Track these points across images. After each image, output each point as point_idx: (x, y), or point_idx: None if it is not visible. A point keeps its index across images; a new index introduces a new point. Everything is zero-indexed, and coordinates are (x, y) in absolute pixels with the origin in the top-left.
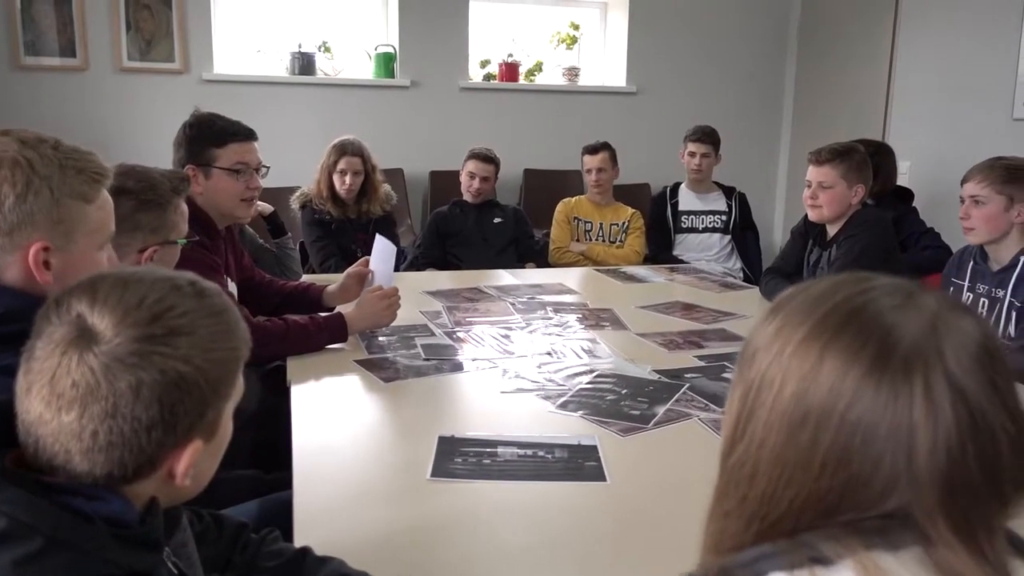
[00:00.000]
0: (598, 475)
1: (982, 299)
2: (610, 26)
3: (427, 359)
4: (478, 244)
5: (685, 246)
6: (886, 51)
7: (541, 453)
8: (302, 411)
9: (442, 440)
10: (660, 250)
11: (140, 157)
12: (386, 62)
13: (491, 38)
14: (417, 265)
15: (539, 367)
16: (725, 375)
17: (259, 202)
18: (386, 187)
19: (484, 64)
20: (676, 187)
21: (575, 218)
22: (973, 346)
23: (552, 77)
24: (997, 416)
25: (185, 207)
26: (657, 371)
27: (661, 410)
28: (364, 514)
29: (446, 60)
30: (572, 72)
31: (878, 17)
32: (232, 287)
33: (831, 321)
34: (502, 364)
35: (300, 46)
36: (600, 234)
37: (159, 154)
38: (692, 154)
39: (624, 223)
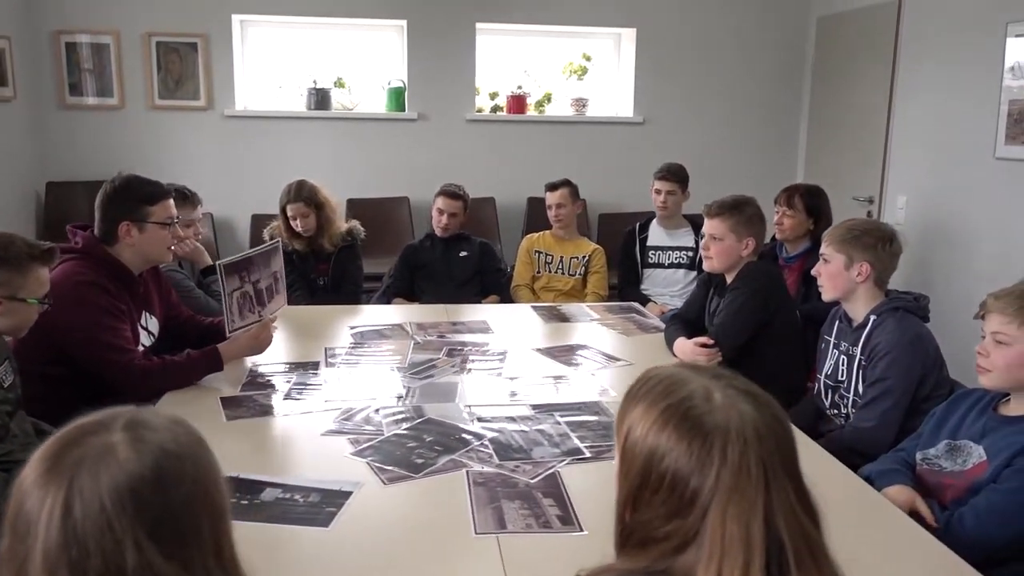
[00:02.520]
0: (325, 521)
1: (842, 356)
2: (622, 57)
3: (284, 399)
4: (441, 277)
5: (651, 281)
6: (886, 91)
7: (297, 496)
8: None
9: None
10: (626, 285)
11: (171, 177)
12: (396, 96)
13: (503, 70)
14: (386, 295)
15: (376, 410)
16: (540, 427)
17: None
18: (348, 224)
19: (493, 96)
20: (648, 222)
21: (536, 251)
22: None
23: (561, 108)
24: None
25: (43, 273)
26: (480, 419)
27: (443, 460)
28: None
29: (453, 93)
30: (580, 103)
31: (880, 57)
32: (152, 322)
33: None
34: (352, 405)
35: (315, 82)
36: (560, 267)
37: (184, 177)
38: (658, 191)
39: (585, 257)
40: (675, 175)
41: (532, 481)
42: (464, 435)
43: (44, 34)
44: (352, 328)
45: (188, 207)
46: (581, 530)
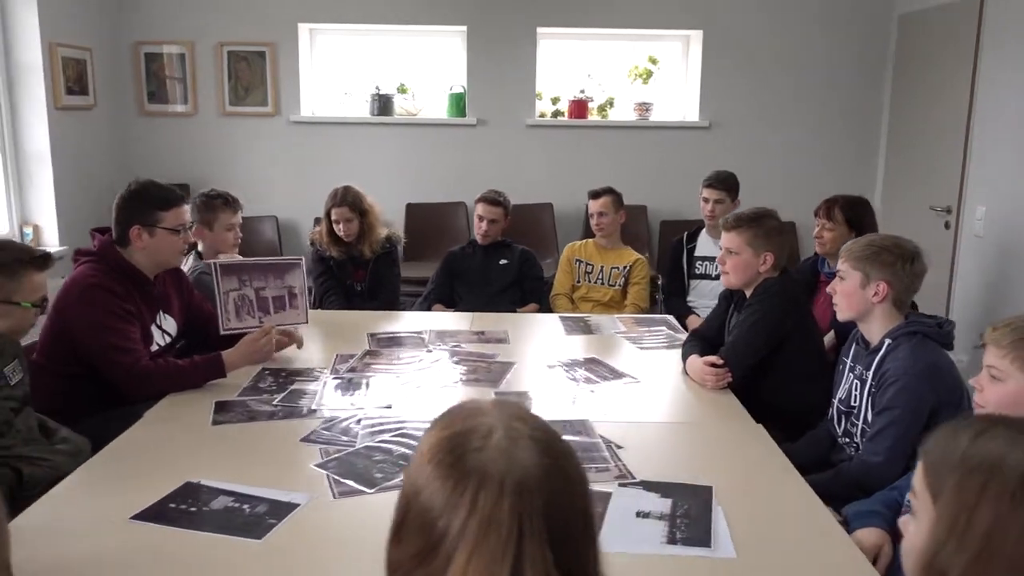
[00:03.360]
0: (260, 534)
1: (856, 381)
2: (689, 60)
3: (275, 405)
4: (479, 284)
5: (698, 292)
6: (966, 93)
7: (246, 506)
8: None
9: (187, 484)
10: (671, 296)
11: (237, 184)
12: (457, 101)
13: (566, 74)
14: (428, 301)
15: (359, 420)
16: None
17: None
18: (388, 230)
19: (555, 101)
20: (696, 232)
21: (577, 260)
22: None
23: (624, 113)
24: None
25: (38, 278)
26: None
27: (402, 477)
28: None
29: (513, 98)
30: (643, 107)
31: (961, 57)
32: (169, 322)
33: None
34: (338, 413)
35: (378, 88)
36: (599, 277)
37: (252, 181)
38: (706, 200)
39: (625, 267)
40: (723, 183)
41: None
42: None
43: (125, 45)
44: (371, 335)
45: (228, 212)
46: None
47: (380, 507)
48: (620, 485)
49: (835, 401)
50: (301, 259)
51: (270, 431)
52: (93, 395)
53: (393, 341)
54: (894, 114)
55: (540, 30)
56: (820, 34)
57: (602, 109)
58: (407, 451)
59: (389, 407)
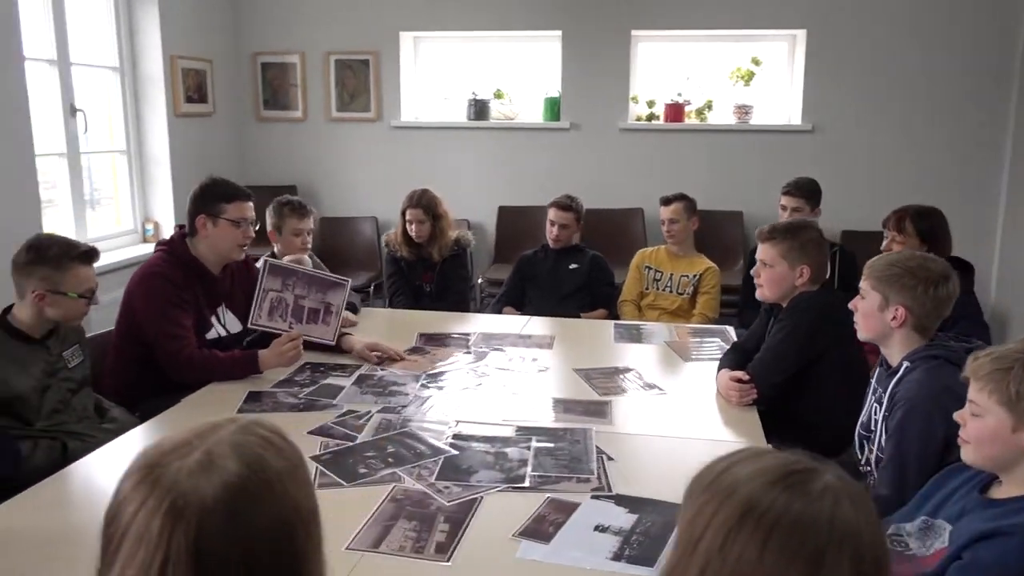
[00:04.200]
0: None
1: (875, 404)
2: (794, 61)
3: (301, 398)
4: (548, 288)
5: None
6: None
7: None
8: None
9: None
10: (745, 308)
11: (340, 186)
12: (552, 106)
13: (664, 77)
14: (500, 304)
15: (367, 415)
16: (506, 449)
17: None
18: (458, 233)
19: (651, 104)
20: None
21: (647, 267)
22: None
23: (723, 116)
24: None
25: (84, 271)
26: (457, 436)
27: (384, 472)
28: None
29: (607, 102)
30: (743, 110)
31: None
32: (230, 317)
33: None
34: (356, 408)
35: (474, 93)
36: (668, 284)
37: (355, 183)
38: (783, 207)
39: (696, 275)
40: (802, 190)
41: (447, 504)
42: (425, 449)
43: (244, 56)
44: (420, 334)
45: (294, 218)
46: (448, 561)
47: (350, 500)
48: (592, 497)
49: (858, 425)
50: (348, 281)
51: (285, 422)
52: (156, 377)
53: (438, 341)
54: (1021, 120)
55: (635, 33)
56: (936, 33)
57: (700, 112)
58: (403, 450)
59: (404, 407)
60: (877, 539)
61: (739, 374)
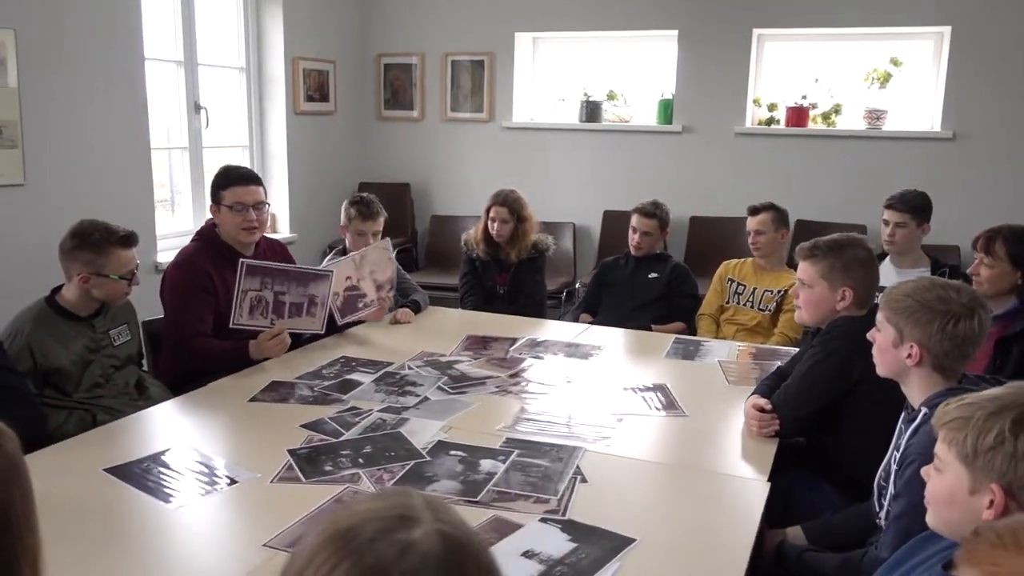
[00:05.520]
0: (167, 498)
1: (895, 452)
2: (939, 61)
3: (315, 391)
4: (623, 297)
5: None
6: None
7: (191, 474)
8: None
9: (169, 450)
10: None
11: (451, 185)
12: (666, 108)
13: (791, 79)
14: (579, 310)
15: (361, 413)
16: (482, 460)
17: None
18: (538, 237)
19: (772, 107)
20: (879, 257)
21: (729, 279)
22: None
23: (852, 121)
24: None
25: (124, 255)
26: (442, 443)
27: (347, 472)
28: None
29: (723, 105)
30: (874, 115)
31: None
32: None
33: None
34: (358, 405)
35: (586, 94)
36: (750, 299)
37: (468, 182)
38: (886, 222)
39: (780, 291)
40: (907, 203)
41: None
42: (400, 454)
43: (368, 57)
44: (468, 335)
45: (359, 219)
46: None
47: (299, 496)
48: (540, 519)
49: (878, 473)
50: (331, 272)
51: (285, 413)
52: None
53: (483, 343)
54: None
55: (757, 32)
56: None
57: (826, 117)
58: (378, 451)
59: (407, 408)
60: None
61: (762, 403)
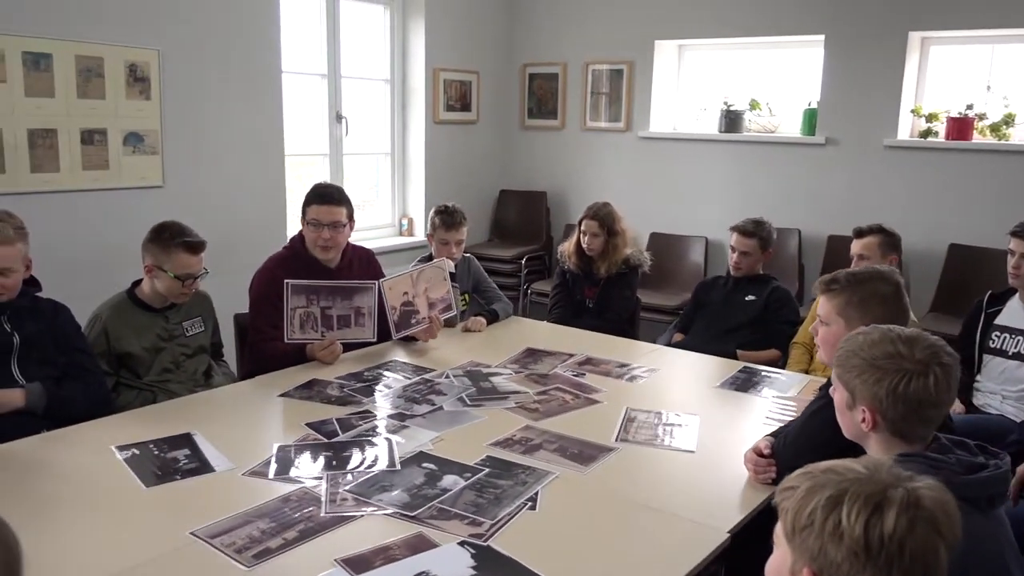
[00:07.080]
0: (148, 480)
1: None
2: None
3: (343, 392)
4: (715, 318)
5: (987, 373)
6: None
7: (178, 455)
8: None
9: (186, 435)
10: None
11: (588, 195)
12: (810, 118)
13: (958, 87)
14: (674, 329)
15: (365, 417)
16: (450, 475)
17: None
18: (631, 252)
19: (932, 118)
20: (1005, 294)
21: None
22: None
23: None
24: None
25: (186, 258)
26: (424, 454)
27: (316, 472)
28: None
29: (871, 115)
30: None
31: None
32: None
33: None
34: (371, 410)
35: (727, 104)
36: None
37: (602, 193)
38: (1011, 252)
39: None
40: None
41: (323, 515)
42: (377, 459)
43: (514, 67)
44: (527, 348)
45: (441, 229)
46: (247, 567)
47: (258, 491)
48: (459, 543)
49: None
50: (374, 284)
51: (302, 410)
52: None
53: (534, 356)
54: None
55: (913, 35)
56: None
57: (996, 129)
58: (356, 455)
59: (412, 416)
60: None
61: (761, 446)
